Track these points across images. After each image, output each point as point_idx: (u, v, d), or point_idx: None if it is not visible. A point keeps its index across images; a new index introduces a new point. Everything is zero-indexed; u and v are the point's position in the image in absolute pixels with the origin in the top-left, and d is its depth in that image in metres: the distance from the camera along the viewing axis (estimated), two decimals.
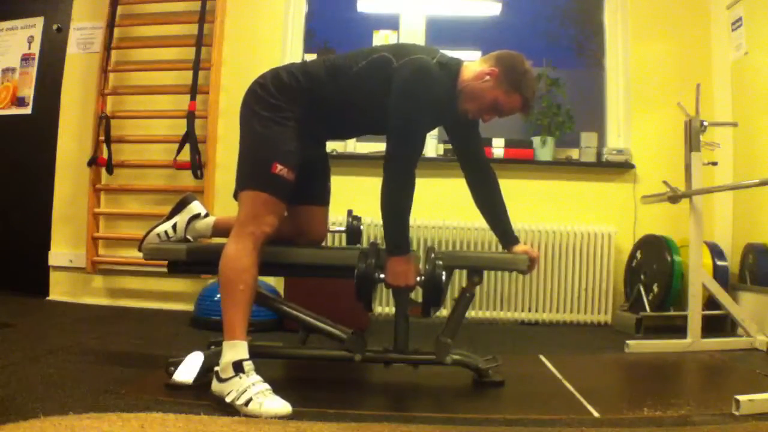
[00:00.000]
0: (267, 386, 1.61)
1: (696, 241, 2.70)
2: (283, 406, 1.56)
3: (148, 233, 2.07)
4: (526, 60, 1.85)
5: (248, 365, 1.64)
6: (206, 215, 2.10)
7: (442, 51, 1.87)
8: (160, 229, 2.06)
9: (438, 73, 1.77)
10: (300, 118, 1.82)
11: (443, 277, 1.81)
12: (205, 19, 3.45)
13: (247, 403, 1.57)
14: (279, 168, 1.74)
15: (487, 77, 1.80)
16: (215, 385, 1.66)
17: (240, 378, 1.62)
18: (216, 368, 1.68)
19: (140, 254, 2.07)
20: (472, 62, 1.88)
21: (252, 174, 1.79)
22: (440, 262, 1.82)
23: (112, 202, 3.60)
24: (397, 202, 1.76)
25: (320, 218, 2.08)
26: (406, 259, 1.78)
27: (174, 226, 2.07)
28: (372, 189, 3.49)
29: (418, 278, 1.81)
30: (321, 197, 2.07)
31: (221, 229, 2.09)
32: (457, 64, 1.86)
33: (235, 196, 1.84)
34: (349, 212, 3.02)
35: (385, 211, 1.77)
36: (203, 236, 2.12)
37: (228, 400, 1.60)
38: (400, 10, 3.69)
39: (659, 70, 3.52)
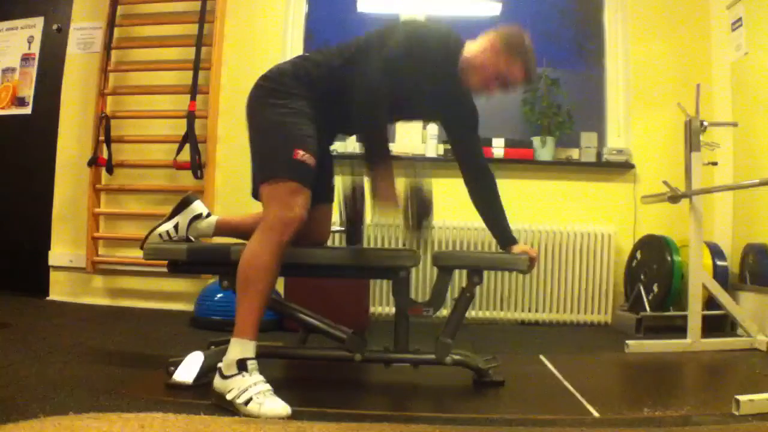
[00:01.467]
0: (268, 387, 1.61)
1: (696, 241, 2.70)
2: (282, 408, 1.55)
3: (149, 233, 2.06)
4: (523, 31, 1.89)
5: (252, 364, 1.64)
6: (208, 215, 2.10)
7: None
8: (162, 229, 2.06)
9: (441, 41, 1.85)
10: (314, 106, 1.82)
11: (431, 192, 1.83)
12: (205, 19, 3.45)
13: (246, 403, 1.56)
14: (300, 154, 1.73)
15: (488, 49, 1.85)
16: (217, 382, 1.65)
17: (242, 376, 1.61)
18: (219, 364, 1.66)
19: (140, 254, 2.06)
20: (473, 41, 1.92)
21: (273, 164, 1.76)
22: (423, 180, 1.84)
23: (112, 202, 3.60)
24: (371, 108, 1.77)
25: (324, 217, 2.07)
26: (388, 169, 1.81)
27: (176, 226, 2.06)
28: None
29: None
30: (325, 195, 2.06)
31: (223, 229, 2.09)
32: (460, 41, 1.91)
33: (254, 195, 1.83)
34: None
35: (362, 119, 1.79)
36: (205, 236, 2.12)
37: (228, 397, 1.59)
38: (400, 10, 3.69)
39: (659, 70, 3.52)
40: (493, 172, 2.05)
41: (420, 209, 1.82)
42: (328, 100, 1.86)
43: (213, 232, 2.09)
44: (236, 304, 1.70)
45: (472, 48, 1.88)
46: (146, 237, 2.06)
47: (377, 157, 1.80)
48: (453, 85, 1.91)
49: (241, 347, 1.65)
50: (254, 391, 1.58)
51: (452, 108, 2.01)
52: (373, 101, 1.76)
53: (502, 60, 1.84)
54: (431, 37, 1.85)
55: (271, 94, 1.84)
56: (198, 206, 2.09)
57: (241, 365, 1.62)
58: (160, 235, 2.05)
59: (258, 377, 1.62)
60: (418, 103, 1.97)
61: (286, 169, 1.73)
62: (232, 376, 1.62)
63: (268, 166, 1.78)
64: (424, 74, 1.83)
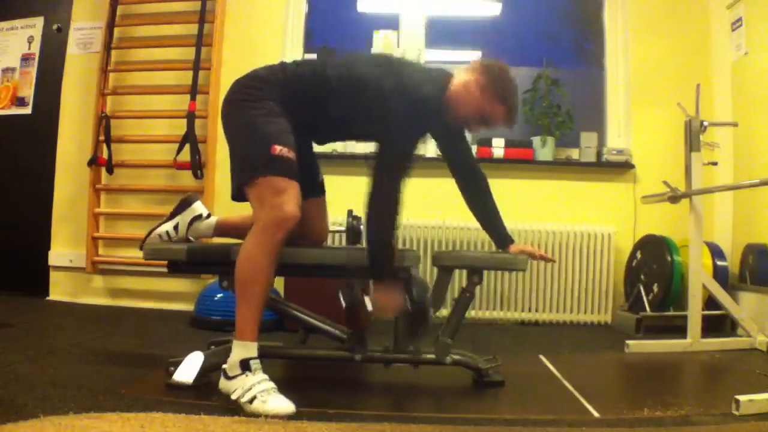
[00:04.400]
0: (272, 385, 1.62)
1: (696, 241, 2.70)
2: (286, 405, 1.57)
3: (149, 233, 2.06)
4: (509, 69, 1.88)
5: (255, 363, 1.65)
6: (208, 216, 2.09)
7: (430, 65, 1.96)
8: (162, 229, 2.06)
9: (425, 90, 1.80)
10: (285, 106, 1.82)
11: (428, 302, 1.78)
12: (205, 19, 3.45)
13: (251, 401, 1.57)
14: (278, 149, 1.72)
15: (472, 88, 1.84)
16: (222, 383, 1.67)
17: (246, 376, 1.62)
18: (224, 366, 1.67)
19: (140, 254, 2.06)
20: (459, 71, 1.90)
21: (252, 163, 1.75)
22: (421, 286, 1.79)
23: (112, 202, 3.60)
24: (385, 222, 1.76)
25: (318, 212, 2.07)
26: (393, 284, 1.76)
27: (176, 227, 2.06)
28: None
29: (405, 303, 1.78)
30: (314, 189, 2.05)
31: (223, 230, 2.09)
32: (445, 77, 1.89)
33: (234, 197, 1.83)
34: (349, 212, 3.03)
35: (374, 229, 1.75)
36: (205, 237, 2.12)
37: (233, 397, 1.60)
38: (400, 10, 3.69)
39: (659, 70, 3.52)
40: (485, 175, 2.06)
41: (416, 320, 1.79)
42: (297, 103, 1.85)
43: (213, 232, 2.10)
44: (235, 306, 1.70)
45: (457, 83, 1.87)
46: (146, 237, 2.06)
47: (383, 271, 1.77)
48: (442, 115, 1.91)
49: (242, 349, 1.66)
50: (258, 389, 1.59)
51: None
52: (388, 216, 1.75)
53: (486, 100, 1.84)
54: (422, 92, 1.80)
55: (243, 97, 1.84)
56: (198, 207, 2.09)
57: (244, 365, 1.63)
58: (159, 235, 2.05)
59: (261, 376, 1.63)
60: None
61: (267, 166, 1.72)
62: (235, 376, 1.63)
63: (248, 166, 1.77)
64: (422, 124, 1.84)
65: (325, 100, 1.85)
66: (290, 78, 1.87)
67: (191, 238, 2.07)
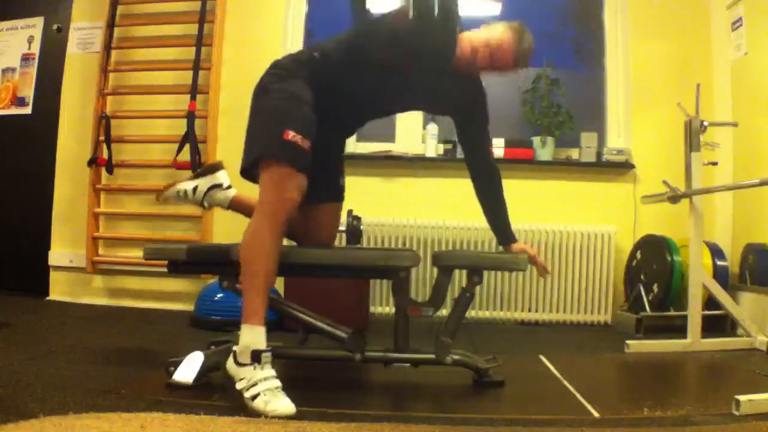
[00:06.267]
0: (278, 384, 1.61)
1: (696, 241, 2.70)
2: (287, 407, 1.56)
3: (169, 186, 2.09)
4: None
5: (266, 357, 1.63)
6: (228, 187, 2.10)
7: None
8: (181, 186, 2.08)
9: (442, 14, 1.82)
10: (314, 91, 1.80)
11: None
12: (205, 19, 3.45)
13: (253, 398, 1.57)
14: (291, 135, 1.70)
15: (484, 27, 1.90)
16: (230, 365, 1.67)
17: (255, 368, 1.61)
18: (234, 348, 1.67)
19: (140, 254, 2.07)
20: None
21: (262, 144, 1.75)
22: None
23: (112, 202, 3.60)
24: None
25: (329, 218, 2.07)
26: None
27: (195, 189, 2.08)
28: (372, 189, 3.53)
29: None
30: (331, 193, 2.05)
31: (237, 206, 2.10)
32: (461, 23, 1.92)
33: (241, 173, 1.83)
34: (349, 212, 3.03)
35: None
36: (219, 206, 2.13)
37: (238, 387, 1.61)
38: None
39: (659, 70, 3.52)
40: (499, 170, 2.05)
41: None
42: (328, 88, 1.83)
43: (228, 205, 2.11)
44: (242, 290, 1.72)
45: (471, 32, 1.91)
46: (166, 188, 2.09)
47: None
48: (451, 68, 1.89)
49: (251, 334, 1.65)
50: (263, 387, 1.59)
51: (458, 101, 1.98)
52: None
53: (496, 32, 1.86)
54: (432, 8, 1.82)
55: (272, 79, 1.84)
56: (221, 176, 2.10)
57: (255, 357, 1.62)
58: (178, 191, 2.08)
59: (269, 372, 1.63)
60: (418, 85, 1.91)
61: (276, 150, 1.71)
62: (245, 365, 1.63)
63: (258, 146, 1.77)
64: (423, 44, 1.80)
65: (370, 55, 1.81)
66: (328, 51, 1.85)
67: (206, 204, 2.08)
